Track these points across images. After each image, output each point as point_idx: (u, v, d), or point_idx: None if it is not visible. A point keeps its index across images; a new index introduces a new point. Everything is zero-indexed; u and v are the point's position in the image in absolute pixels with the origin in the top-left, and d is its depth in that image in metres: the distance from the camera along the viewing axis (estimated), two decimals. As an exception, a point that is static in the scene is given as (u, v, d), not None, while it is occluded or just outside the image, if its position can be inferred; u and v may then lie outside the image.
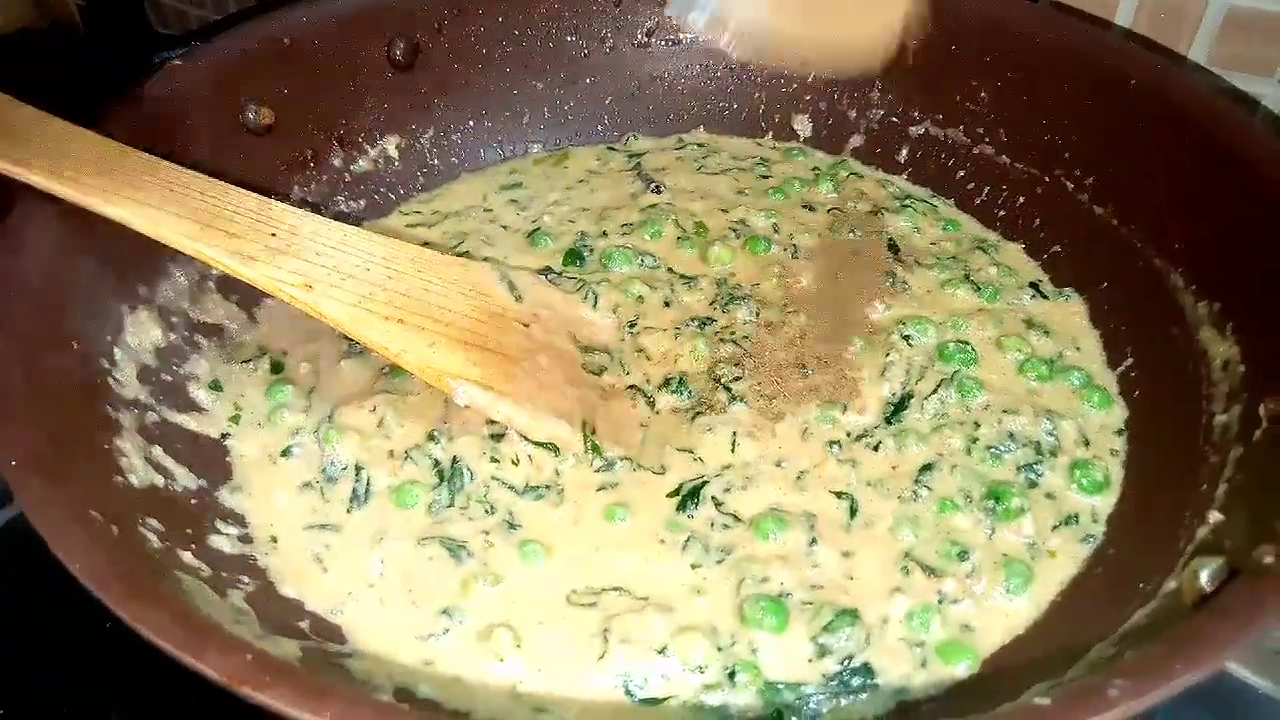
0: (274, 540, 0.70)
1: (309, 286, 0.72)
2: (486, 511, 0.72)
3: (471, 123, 1.07)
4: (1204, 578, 0.55)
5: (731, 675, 0.63)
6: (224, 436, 0.77)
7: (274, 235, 0.74)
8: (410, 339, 0.75)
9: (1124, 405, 0.80)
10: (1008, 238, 0.97)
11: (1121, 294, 0.86)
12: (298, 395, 0.80)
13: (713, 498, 0.73)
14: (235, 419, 0.79)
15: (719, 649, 0.64)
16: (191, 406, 0.77)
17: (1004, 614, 0.67)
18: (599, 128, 1.11)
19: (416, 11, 1.01)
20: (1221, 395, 0.72)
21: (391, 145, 1.02)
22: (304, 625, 0.64)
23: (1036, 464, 0.75)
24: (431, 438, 0.75)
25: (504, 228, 0.98)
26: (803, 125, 1.10)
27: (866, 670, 0.63)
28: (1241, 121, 0.81)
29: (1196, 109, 0.83)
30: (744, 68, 1.11)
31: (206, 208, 0.72)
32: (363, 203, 1.00)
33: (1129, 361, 0.83)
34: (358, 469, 0.74)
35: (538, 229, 0.97)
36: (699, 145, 1.10)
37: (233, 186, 0.75)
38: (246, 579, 0.65)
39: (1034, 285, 0.91)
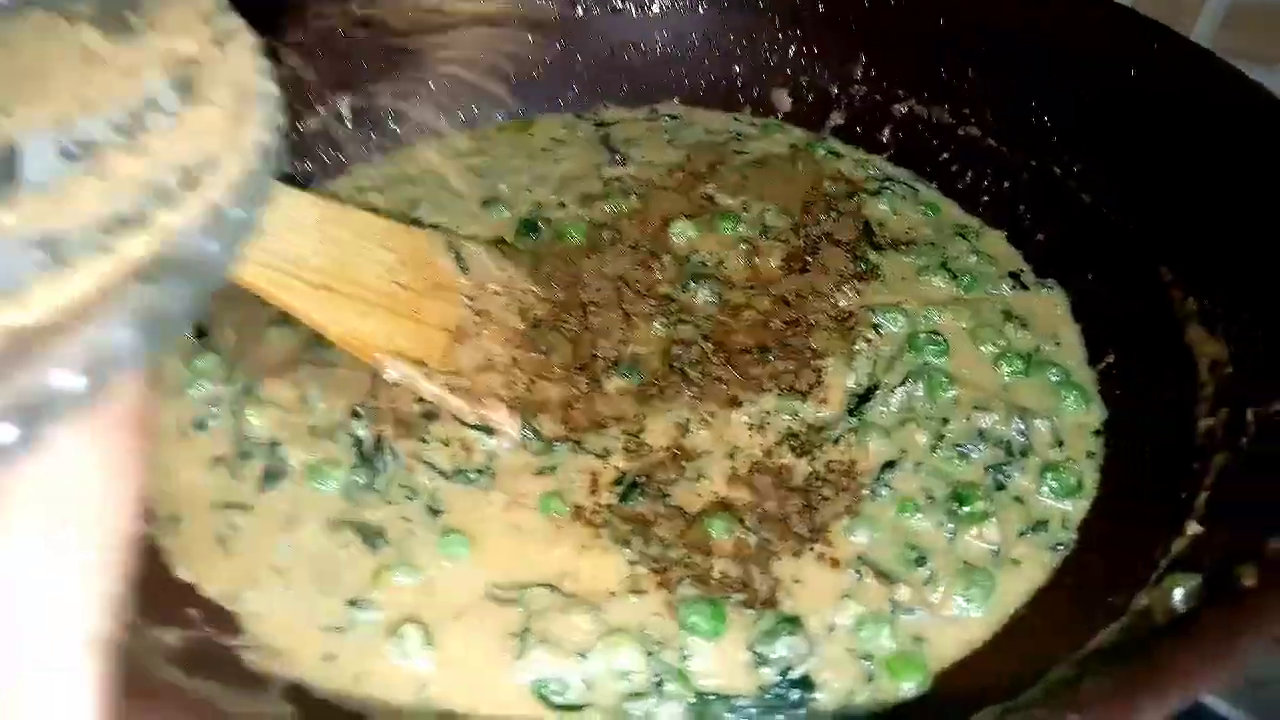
0: (176, 519, 0.65)
1: (228, 246, 0.67)
2: (408, 496, 0.66)
3: (433, 85, 1.01)
4: (1178, 597, 0.50)
5: (659, 684, 0.57)
6: (137, 405, 0.72)
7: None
8: (338, 308, 0.69)
9: (1103, 405, 0.75)
10: (990, 224, 0.92)
11: (1106, 286, 0.81)
12: (219, 364, 0.75)
13: (658, 488, 0.68)
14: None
15: (648, 654, 0.59)
16: (103, 372, 0.72)
17: (961, 626, 0.61)
18: (569, 95, 1.06)
19: (377, -38, 0.95)
20: (1208, 398, 0.66)
21: (345, 105, 0.97)
22: (194, 613, 0.58)
23: (1006, 465, 0.70)
24: (355, 414, 0.70)
25: (458, 195, 0.93)
26: (782, 100, 1.05)
27: (806, 683, 0.58)
28: (1243, 108, 0.75)
29: (1196, 93, 0.77)
30: (722, 37, 1.05)
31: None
32: (310, 164, 0.94)
33: (1110, 359, 0.77)
34: (273, 445, 0.69)
35: (493, 197, 0.91)
36: (672, 117, 1.05)
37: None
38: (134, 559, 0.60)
39: (1014, 275, 0.86)
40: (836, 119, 1.02)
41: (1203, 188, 0.74)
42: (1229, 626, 0.42)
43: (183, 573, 0.62)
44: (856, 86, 1.01)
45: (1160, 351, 0.72)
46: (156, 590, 0.59)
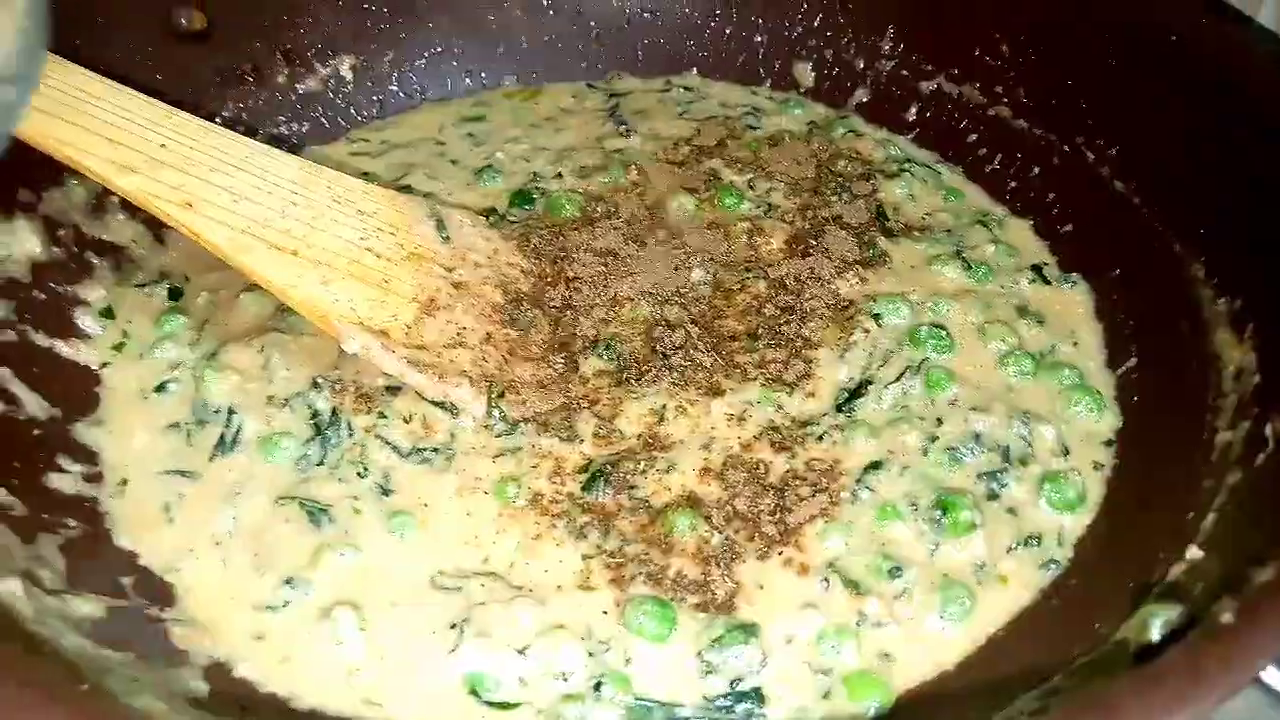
0: (123, 483, 0.63)
1: (189, 205, 0.65)
2: (359, 474, 0.64)
3: (439, 48, 0.98)
4: (1155, 627, 0.45)
5: (598, 686, 0.54)
6: (103, 366, 0.70)
7: (164, 146, 0.67)
8: (301, 273, 0.67)
9: (1118, 412, 0.69)
10: (1016, 213, 0.85)
11: (1134, 284, 0.74)
12: (188, 327, 0.73)
13: (625, 479, 0.64)
14: (119, 347, 0.72)
15: (590, 654, 0.55)
16: (71, 332, 0.71)
17: (932, 644, 0.57)
18: (582, 64, 1.01)
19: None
20: (1229, 409, 0.60)
21: (346, 65, 0.94)
22: (127, 581, 0.57)
23: (1001, 472, 0.64)
24: (315, 385, 0.67)
25: (453, 162, 0.89)
26: (805, 74, 0.99)
27: (756, 696, 0.54)
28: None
29: (1248, 76, 0.70)
30: (745, 5, 1.00)
31: (87, 108, 0.65)
32: (306, 126, 0.92)
33: (1132, 362, 0.71)
34: (230, 413, 0.66)
35: (488, 165, 0.88)
36: (687, 89, 1.00)
37: (128, 89, 0.67)
38: (74, 523, 0.58)
39: (1037, 269, 0.80)
40: (861, 95, 0.96)
41: (1246, 179, 0.67)
42: (1191, 669, 0.37)
43: (124, 541, 0.60)
44: (884, 60, 0.95)
45: (1185, 356, 0.66)
46: (95, 557, 0.57)
